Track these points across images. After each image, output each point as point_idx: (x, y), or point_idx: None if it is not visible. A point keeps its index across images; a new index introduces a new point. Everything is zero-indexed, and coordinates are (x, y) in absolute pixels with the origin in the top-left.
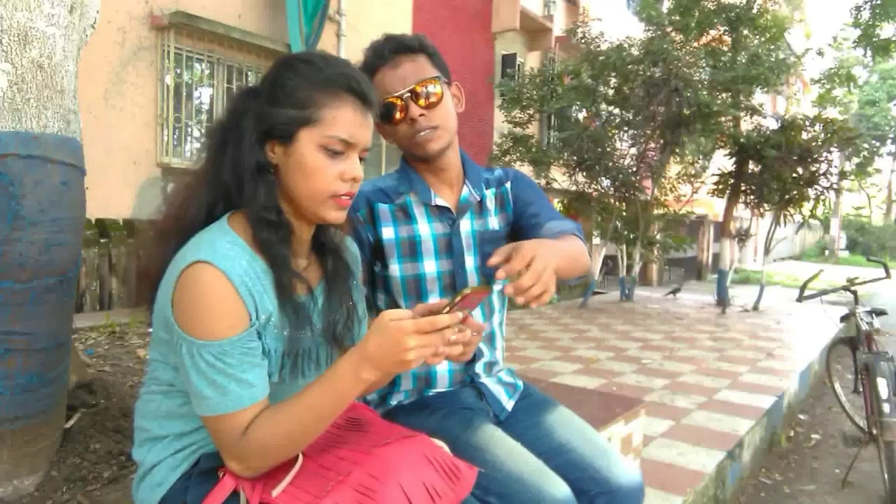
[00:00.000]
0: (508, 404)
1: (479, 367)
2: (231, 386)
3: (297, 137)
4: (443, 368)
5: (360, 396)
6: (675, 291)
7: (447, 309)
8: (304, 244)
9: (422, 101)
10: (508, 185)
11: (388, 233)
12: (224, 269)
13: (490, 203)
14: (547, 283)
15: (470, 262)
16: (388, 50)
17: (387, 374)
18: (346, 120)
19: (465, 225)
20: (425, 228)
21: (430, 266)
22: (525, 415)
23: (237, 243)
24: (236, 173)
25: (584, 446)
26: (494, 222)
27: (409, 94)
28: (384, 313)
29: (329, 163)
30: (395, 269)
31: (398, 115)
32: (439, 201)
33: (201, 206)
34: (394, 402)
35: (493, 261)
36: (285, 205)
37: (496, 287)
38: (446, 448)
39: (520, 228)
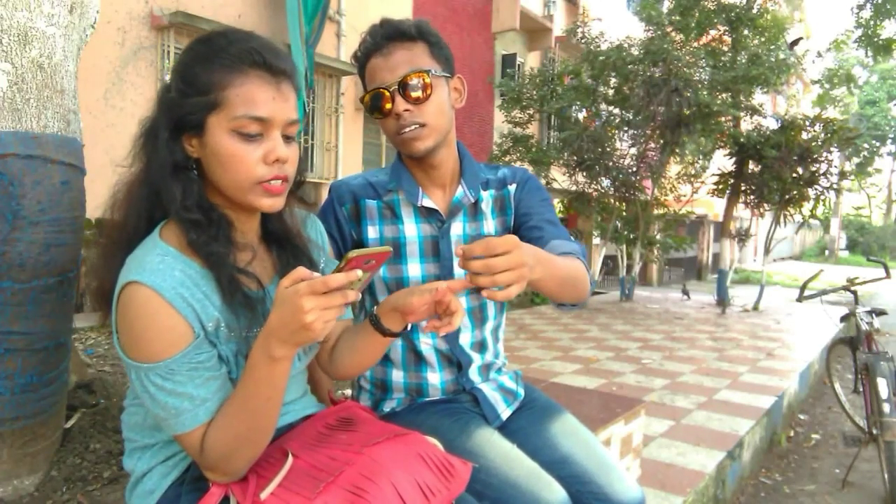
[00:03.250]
0: (504, 413)
1: (472, 374)
2: (184, 405)
3: (207, 126)
4: (435, 380)
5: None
6: (685, 292)
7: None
8: (251, 236)
9: (409, 95)
10: (513, 187)
11: (372, 232)
12: (154, 285)
13: (486, 205)
14: (514, 279)
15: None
16: (382, 36)
17: (295, 345)
18: (253, 97)
19: (457, 228)
20: (412, 229)
21: (415, 269)
22: (528, 423)
23: (168, 253)
24: (158, 175)
25: (586, 460)
26: (490, 226)
27: (396, 86)
28: (281, 282)
29: (246, 147)
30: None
31: (385, 108)
32: (427, 202)
33: (140, 214)
34: (387, 409)
35: (463, 250)
36: (217, 198)
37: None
38: (439, 446)
39: (519, 238)
